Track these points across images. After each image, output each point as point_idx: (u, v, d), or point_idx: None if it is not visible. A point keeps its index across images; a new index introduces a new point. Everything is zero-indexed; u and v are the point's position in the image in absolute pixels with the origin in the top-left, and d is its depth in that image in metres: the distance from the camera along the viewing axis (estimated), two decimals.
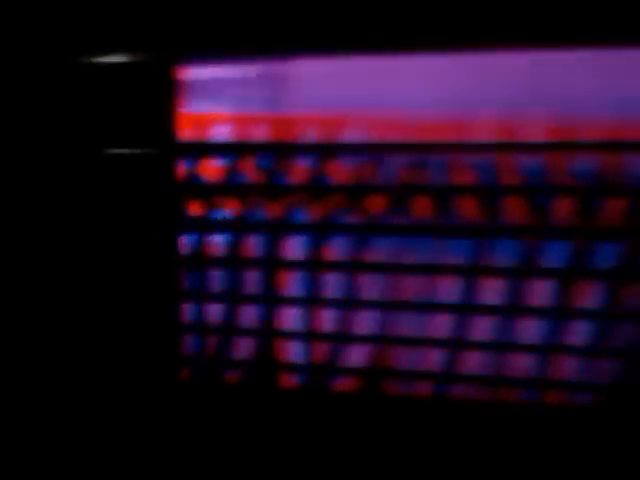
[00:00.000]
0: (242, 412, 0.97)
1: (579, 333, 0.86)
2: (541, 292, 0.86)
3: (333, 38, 0.81)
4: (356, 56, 0.81)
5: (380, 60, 0.81)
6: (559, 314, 0.86)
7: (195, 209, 0.89)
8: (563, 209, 0.82)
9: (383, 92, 0.82)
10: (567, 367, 0.88)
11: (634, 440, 0.88)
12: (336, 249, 0.88)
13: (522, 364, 0.89)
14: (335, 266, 0.88)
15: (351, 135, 0.84)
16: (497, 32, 0.78)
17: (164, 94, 0.86)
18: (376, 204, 0.85)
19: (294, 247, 0.89)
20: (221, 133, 0.87)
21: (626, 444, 0.88)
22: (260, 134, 0.86)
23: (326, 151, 0.83)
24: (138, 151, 0.87)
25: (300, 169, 0.86)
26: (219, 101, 0.87)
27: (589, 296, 0.84)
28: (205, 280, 0.93)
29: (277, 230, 0.88)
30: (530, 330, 0.88)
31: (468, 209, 0.83)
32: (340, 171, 0.85)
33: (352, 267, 0.88)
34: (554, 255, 0.83)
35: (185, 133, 0.88)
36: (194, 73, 0.88)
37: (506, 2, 0.76)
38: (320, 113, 0.84)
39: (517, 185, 0.82)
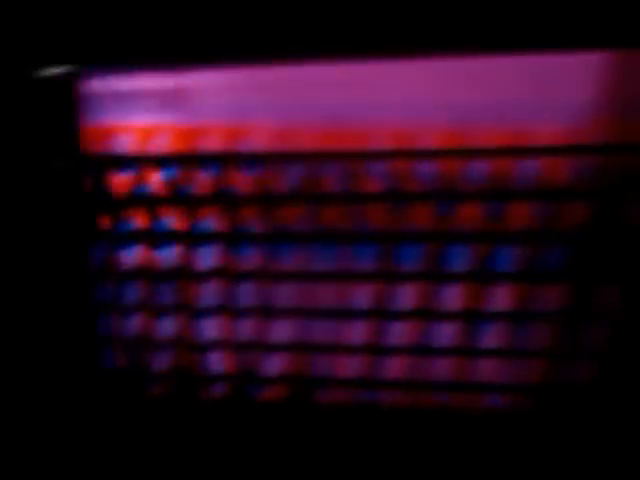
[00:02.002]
0: (165, 426, 0.96)
1: (492, 336, 0.87)
2: (453, 296, 0.86)
3: (230, 49, 0.81)
4: (254, 67, 0.80)
5: (280, 70, 0.81)
6: (472, 317, 0.86)
7: (106, 222, 0.88)
8: (467, 214, 0.82)
9: (287, 101, 0.82)
10: (483, 370, 0.89)
11: (551, 441, 0.88)
12: (248, 259, 0.88)
13: (442, 368, 0.90)
14: (249, 275, 0.88)
15: (254, 144, 0.83)
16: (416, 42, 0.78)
17: (69, 108, 0.85)
18: (284, 213, 0.85)
19: (205, 258, 0.88)
20: (129, 144, 0.86)
21: (543, 446, 0.89)
22: (167, 144, 0.85)
23: (231, 161, 0.83)
24: (45, 164, 0.86)
25: (205, 180, 0.85)
26: (129, 112, 0.86)
27: (498, 299, 0.85)
28: (120, 294, 0.91)
29: (188, 241, 0.87)
30: (445, 334, 0.88)
31: (376, 216, 0.83)
32: (245, 181, 0.84)
33: (266, 276, 0.88)
34: (461, 259, 0.84)
35: (96, 145, 0.87)
36: (102, 85, 0.87)
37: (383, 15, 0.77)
38: (225, 123, 0.83)
39: (424, 191, 0.82)
